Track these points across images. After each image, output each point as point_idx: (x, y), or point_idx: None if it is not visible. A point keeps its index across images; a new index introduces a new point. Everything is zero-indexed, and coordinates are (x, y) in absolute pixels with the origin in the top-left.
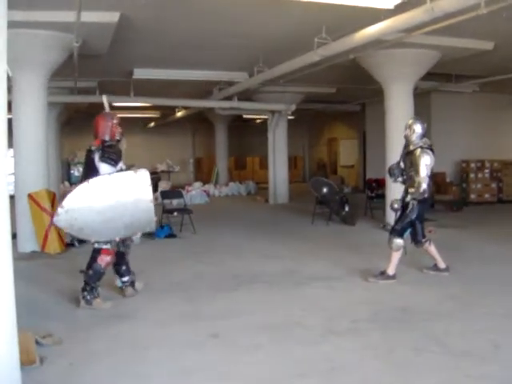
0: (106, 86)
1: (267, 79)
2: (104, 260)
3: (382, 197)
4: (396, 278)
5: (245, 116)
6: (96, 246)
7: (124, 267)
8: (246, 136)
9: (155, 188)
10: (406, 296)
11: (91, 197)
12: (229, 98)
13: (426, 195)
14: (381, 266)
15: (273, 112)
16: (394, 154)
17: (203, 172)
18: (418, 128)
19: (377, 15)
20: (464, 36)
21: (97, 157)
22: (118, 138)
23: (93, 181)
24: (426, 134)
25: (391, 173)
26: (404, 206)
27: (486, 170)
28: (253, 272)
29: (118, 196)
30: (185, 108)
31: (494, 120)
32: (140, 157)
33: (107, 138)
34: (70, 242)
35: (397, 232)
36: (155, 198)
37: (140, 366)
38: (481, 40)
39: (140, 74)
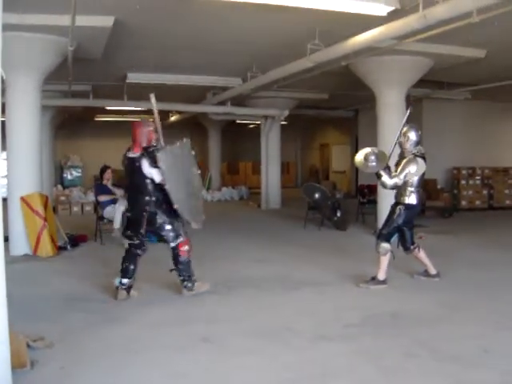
0: (100, 90)
1: (260, 85)
2: (185, 250)
3: (374, 202)
4: (387, 283)
5: (238, 121)
6: (172, 245)
7: (132, 268)
8: (239, 141)
9: None
10: (397, 301)
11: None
12: (222, 103)
13: (414, 202)
14: (372, 271)
15: (266, 117)
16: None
17: None
18: (413, 135)
19: (370, 22)
20: (456, 44)
21: (146, 164)
22: (154, 143)
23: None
24: (420, 142)
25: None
26: (391, 210)
27: (477, 177)
28: (244, 276)
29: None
30: (178, 113)
31: (485, 127)
32: None
33: (145, 144)
34: (63, 246)
35: (383, 236)
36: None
37: (131, 369)
38: (473, 48)
39: (134, 78)
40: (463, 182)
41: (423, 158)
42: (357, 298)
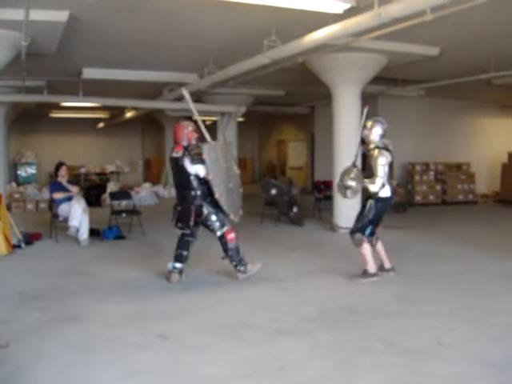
0: (54, 86)
1: (217, 81)
2: (232, 237)
3: (330, 198)
4: (378, 275)
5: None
6: (219, 233)
7: (185, 254)
8: None
9: (104, 190)
10: (353, 295)
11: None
12: (179, 99)
13: (384, 195)
14: (328, 266)
15: (223, 114)
16: (341, 156)
17: (153, 173)
18: (378, 130)
19: (326, 20)
20: (411, 41)
21: (188, 162)
22: (193, 142)
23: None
24: (385, 135)
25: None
26: (363, 205)
27: (431, 173)
28: (200, 272)
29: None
30: (134, 109)
31: (438, 124)
32: (89, 158)
33: (185, 143)
34: (17, 244)
35: (357, 230)
36: (103, 200)
37: (87, 368)
38: (427, 46)
39: (89, 74)
40: (417, 177)
41: (387, 149)
42: (313, 293)
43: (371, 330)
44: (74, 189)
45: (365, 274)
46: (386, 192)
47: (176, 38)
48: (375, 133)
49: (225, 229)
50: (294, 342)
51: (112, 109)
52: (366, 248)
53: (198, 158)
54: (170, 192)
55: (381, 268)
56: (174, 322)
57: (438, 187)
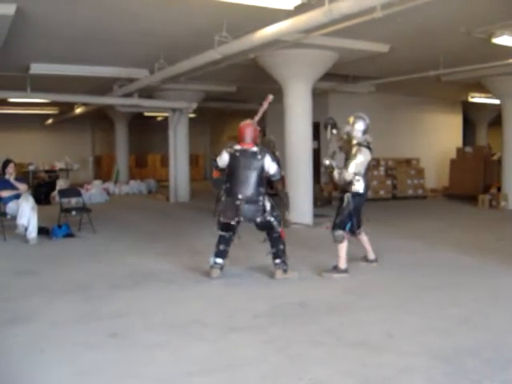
0: (1, 81)
1: (168, 76)
2: (284, 234)
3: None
4: (349, 271)
5: (146, 113)
6: (278, 231)
7: (227, 249)
8: (147, 134)
9: (53, 187)
10: (304, 291)
11: None
12: (129, 95)
13: (361, 191)
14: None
15: (174, 110)
16: (293, 152)
17: (103, 170)
18: (360, 125)
19: (277, 16)
20: (361, 38)
21: (269, 158)
22: (258, 140)
23: None
24: (367, 131)
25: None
26: (340, 199)
27: (381, 168)
28: (152, 270)
29: None
30: (84, 105)
31: (388, 120)
32: (38, 154)
33: (250, 140)
34: None
35: (337, 226)
36: (53, 197)
37: (37, 369)
38: (377, 42)
39: (37, 69)
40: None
41: (368, 147)
42: (265, 289)
43: (323, 324)
44: (22, 186)
45: (336, 269)
46: (358, 187)
47: (126, 33)
48: (358, 128)
49: (282, 225)
50: (246, 339)
51: (61, 105)
52: (343, 246)
53: (273, 157)
54: (120, 189)
55: (365, 259)
56: (125, 320)
57: (389, 182)
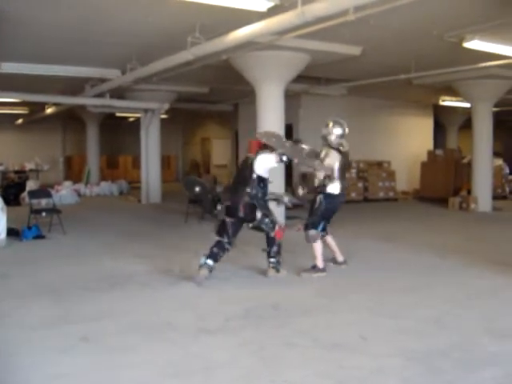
0: None
1: (140, 77)
2: (281, 234)
3: None
4: (326, 270)
5: (117, 114)
6: (272, 234)
7: (221, 255)
8: (119, 134)
9: (23, 188)
10: (277, 293)
11: None
12: (101, 95)
13: (335, 192)
14: (251, 264)
15: (146, 110)
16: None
17: (74, 171)
18: (338, 130)
19: (250, 17)
20: (334, 41)
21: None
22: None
23: None
24: (344, 136)
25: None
26: (313, 200)
27: (353, 170)
28: (124, 272)
29: None
30: (55, 104)
31: (360, 123)
32: (8, 155)
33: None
34: None
35: (310, 226)
36: (22, 198)
37: (5, 374)
38: (349, 45)
39: (8, 68)
40: None
41: (338, 150)
42: (238, 291)
43: (297, 327)
44: None
45: (314, 268)
46: (335, 189)
47: (98, 33)
48: (335, 132)
49: (276, 227)
50: (219, 341)
51: (32, 104)
52: (318, 244)
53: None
54: (91, 190)
55: (333, 261)
56: (97, 323)
57: (360, 185)
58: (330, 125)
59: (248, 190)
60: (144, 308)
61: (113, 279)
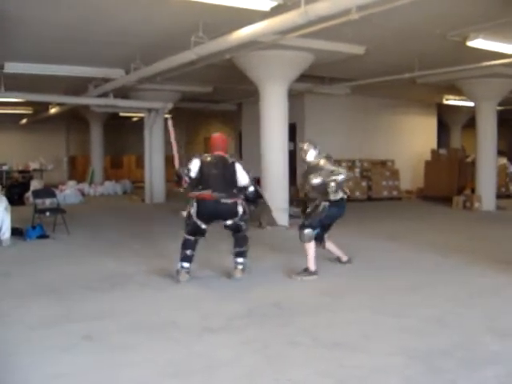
0: None
1: (144, 77)
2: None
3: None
4: (318, 273)
5: (121, 114)
6: (244, 233)
7: (191, 253)
8: (123, 134)
9: (27, 187)
10: (280, 292)
11: None
12: (105, 95)
13: (338, 197)
14: (254, 263)
15: (150, 110)
16: (268, 154)
17: (78, 171)
18: (312, 153)
19: (254, 17)
20: (337, 40)
21: (241, 166)
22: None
23: None
24: (320, 152)
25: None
26: (317, 205)
27: (357, 170)
28: (127, 272)
29: None
30: (59, 104)
31: (364, 122)
32: (12, 154)
33: (223, 151)
34: None
35: (306, 226)
36: (26, 198)
37: (7, 373)
38: (353, 44)
39: (12, 68)
40: None
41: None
42: (240, 290)
43: (299, 326)
44: None
45: (306, 271)
46: (337, 196)
47: (102, 33)
48: (310, 156)
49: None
50: (222, 340)
51: (36, 104)
52: (311, 247)
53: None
54: (95, 190)
55: (338, 260)
56: (99, 322)
57: (364, 184)
58: (305, 148)
59: (234, 190)
60: (146, 307)
61: (115, 279)
